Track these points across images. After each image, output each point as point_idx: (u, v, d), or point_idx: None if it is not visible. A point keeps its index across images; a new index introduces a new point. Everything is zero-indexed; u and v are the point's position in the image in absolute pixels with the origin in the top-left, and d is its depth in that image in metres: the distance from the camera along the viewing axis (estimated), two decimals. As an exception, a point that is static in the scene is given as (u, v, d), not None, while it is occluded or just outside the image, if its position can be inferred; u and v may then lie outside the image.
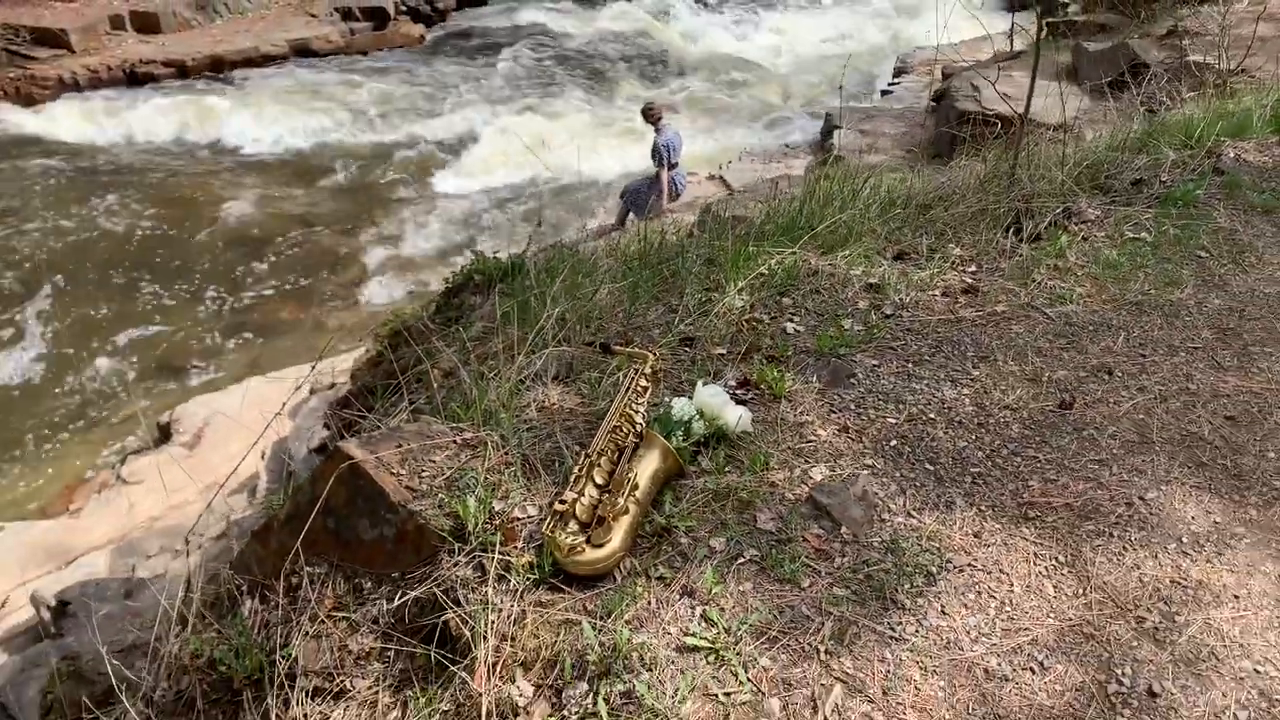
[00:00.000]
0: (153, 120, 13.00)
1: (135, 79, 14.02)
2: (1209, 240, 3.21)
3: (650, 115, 9.07)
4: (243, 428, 7.24)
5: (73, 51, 13.94)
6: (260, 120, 13.06)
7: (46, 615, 5.38)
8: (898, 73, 13.79)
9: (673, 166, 9.04)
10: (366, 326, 8.53)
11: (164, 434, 7.29)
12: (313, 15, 16.08)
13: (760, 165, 10.62)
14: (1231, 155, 3.77)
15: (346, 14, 16.24)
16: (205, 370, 8.15)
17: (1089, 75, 9.78)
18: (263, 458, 6.60)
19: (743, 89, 15.50)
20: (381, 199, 11.28)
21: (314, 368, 5.08)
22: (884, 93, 13.23)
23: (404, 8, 16.95)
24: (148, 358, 8.24)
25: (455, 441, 2.19)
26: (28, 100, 13.17)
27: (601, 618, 1.81)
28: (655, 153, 8.95)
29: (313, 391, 7.30)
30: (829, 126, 10.88)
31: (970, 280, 2.94)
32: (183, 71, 14.27)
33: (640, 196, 9.09)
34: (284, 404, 4.06)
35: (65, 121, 12.82)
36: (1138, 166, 3.64)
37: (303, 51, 15.20)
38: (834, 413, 2.37)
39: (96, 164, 11.75)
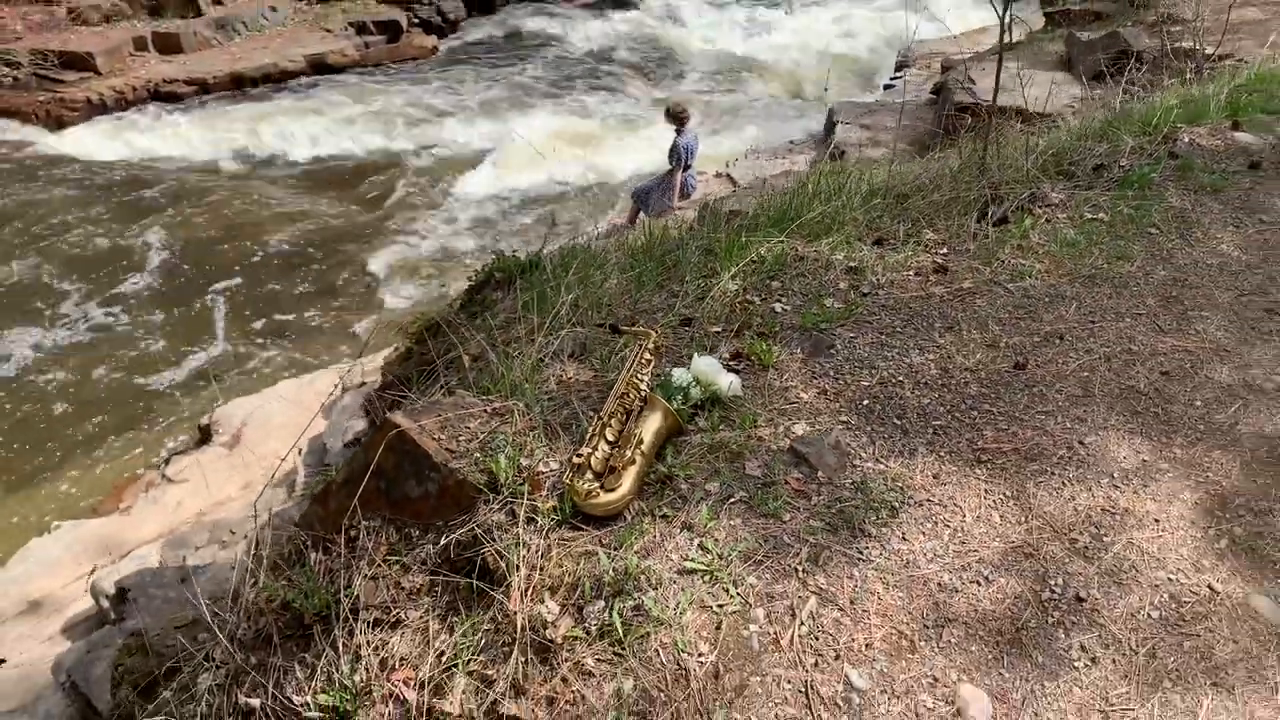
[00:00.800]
0: (178, 137, 13.48)
1: (159, 98, 14.51)
2: (1160, 219, 3.54)
3: (679, 116, 9.20)
4: (280, 426, 7.68)
5: (99, 73, 14.43)
6: (282, 134, 13.52)
7: (106, 603, 5.79)
8: (899, 67, 14.09)
9: (686, 168, 9.37)
10: (393, 327, 8.92)
11: (204, 435, 7.70)
12: (328, 30, 16.53)
13: (766, 161, 10.95)
14: (1186, 140, 4.08)
15: (361, 28, 16.69)
16: (241, 373, 8.56)
17: (1082, 64, 10.05)
18: (299, 453, 6.98)
19: (749, 87, 15.84)
20: (403, 205, 11.69)
21: (356, 363, 5.39)
22: (886, 87, 13.54)
23: (416, 20, 17.39)
24: (187, 363, 8.66)
25: (486, 411, 2.54)
26: (58, 122, 13.67)
27: (614, 549, 2.16)
28: (674, 153, 9.22)
29: (344, 390, 7.69)
30: (832, 122, 11.19)
31: (941, 261, 3.28)
32: (205, 89, 14.75)
33: (651, 195, 9.43)
34: (335, 390, 4.41)
35: (94, 141, 13.31)
36: (1099, 153, 3.96)
37: (320, 66, 15.66)
38: (815, 379, 2.72)
39: (125, 180, 12.21)
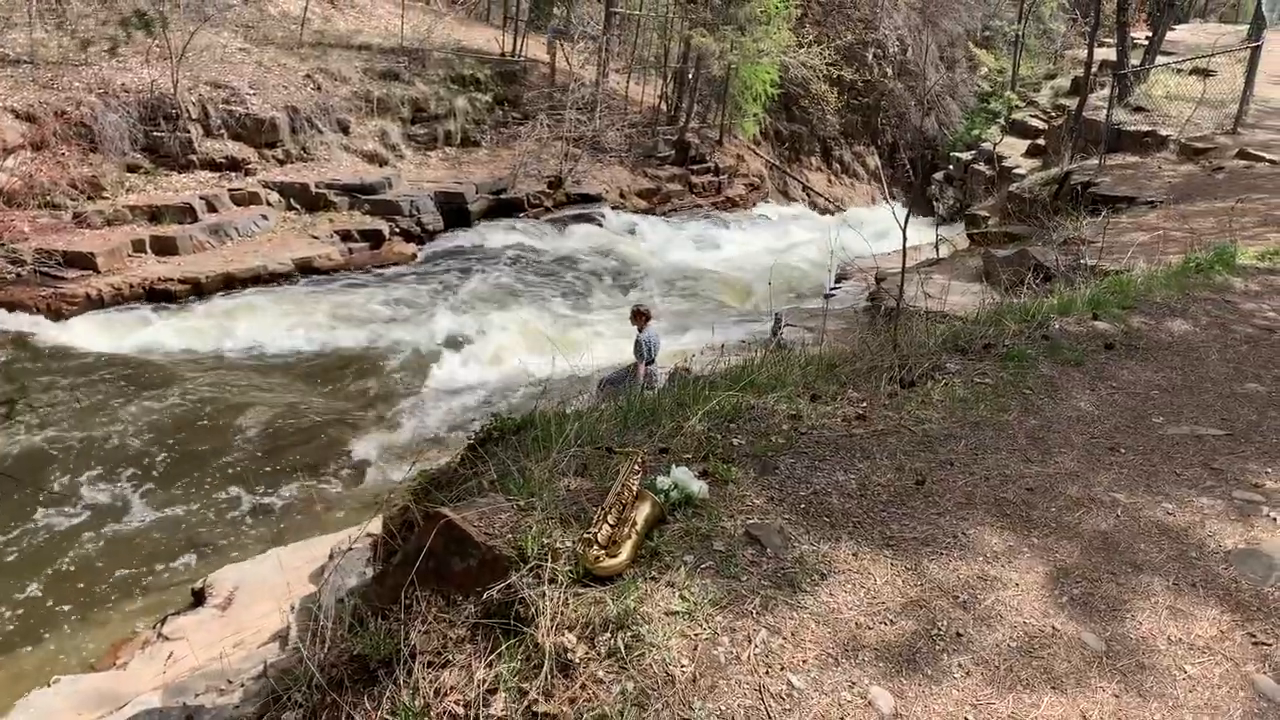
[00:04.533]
0: (170, 330, 14.39)
1: (154, 296, 15.50)
2: (1033, 383, 4.51)
3: (643, 314, 10.27)
4: (269, 590, 8.19)
5: (98, 271, 15.44)
6: (269, 329, 14.50)
7: (109, 747, 6.17)
8: (839, 278, 15.60)
9: (650, 362, 10.38)
10: (376, 504, 9.59)
11: (198, 598, 8.18)
12: (315, 237, 17.88)
13: (720, 357, 12.02)
14: (1057, 327, 5.13)
15: (346, 235, 18.09)
16: (230, 545, 9.10)
17: (997, 276, 11.45)
18: (291, 611, 7.50)
19: (702, 294, 17.26)
20: (384, 396, 12.56)
21: (353, 529, 6.05)
22: (827, 295, 14.95)
23: (397, 230, 18.87)
24: (177, 535, 9.20)
25: (513, 507, 3.32)
26: (56, 314, 14.53)
27: (617, 598, 2.91)
28: (638, 348, 10.23)
29: (332, 556, 8.28)
30: (778, 325, 12.41)
31: (861, 411, 4.18)
32: (197, 288, 15.80)
33: (619, 386, 10.38)
34: (339, 550, 5.08)
35: (90, 333, 14.15)
36: (988, 335, 4.98)
37: (307, 269, 16.88)
38: (764, 490, 3.54)
39: (119, 368, 12.98)
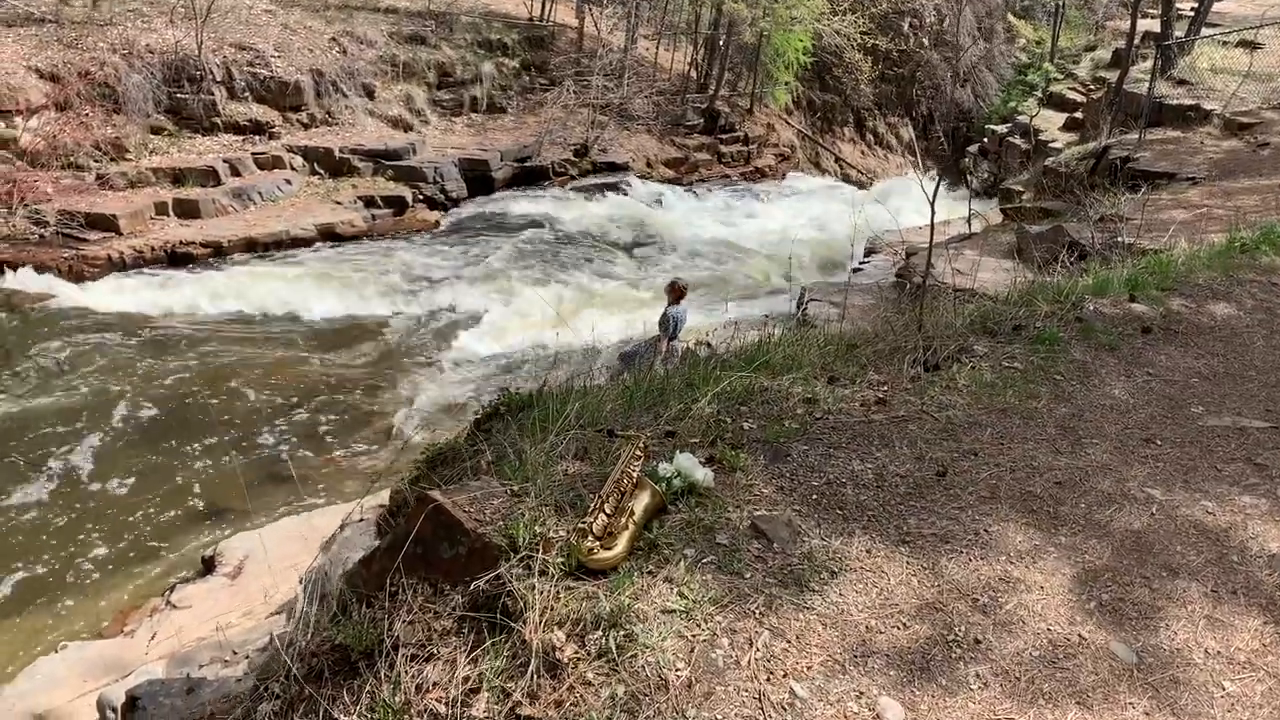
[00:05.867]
0: (190, 294, 14.32)
1: (175, 259, 15.45)
2: (1065, 368, 4.26)
3: (678, 290, 10.06)
4: (279, 560, 8.11)
5: (120, 234, 15.41)
6: (290, 294, 14.40)
7: (112, 715, 6.10)
8: (868, 252, 15.27)
9: (673, 337, 10.19)
10: (391, 472, 9.48)
11: (208, 566, 8.12)
12: (338, 203, 17.74)
13: (742, 333, 11.79)
14: (1091, 308, 4.86)
15: (369, 201, 17.94)
16: (243, 512, 9.03)
17: (1030, 253, 11.11)
18: (300, 582, 7.40)
19: (728, 268, 16.99)
20: (404, 363, 12.45)
21: (367, 498, 5.93)
22: (855, 270, 14.64)
23: (421, 196, 18.70)
24: (190, 502, 9.14)
25: (506, 492, 3.14)
26: (78, 277, 14.51)
27: (611, 593, 2.72)
28: (665, 322, 10.02)
29: (343, 526, 8.17)
30: (804, 300, 12.14)
31: (881, 395, 3.96)
32: (219, 251, 15.74)
33: (640, 360, 10.17)
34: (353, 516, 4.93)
35: (112, 295, 14.11)
36: (1019, 316, 4.72)
37: (329, 235, 16.76)
38: (774, 479, 3.34)
39: (139, 332, 12.94)
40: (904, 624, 2.71)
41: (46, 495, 9.00)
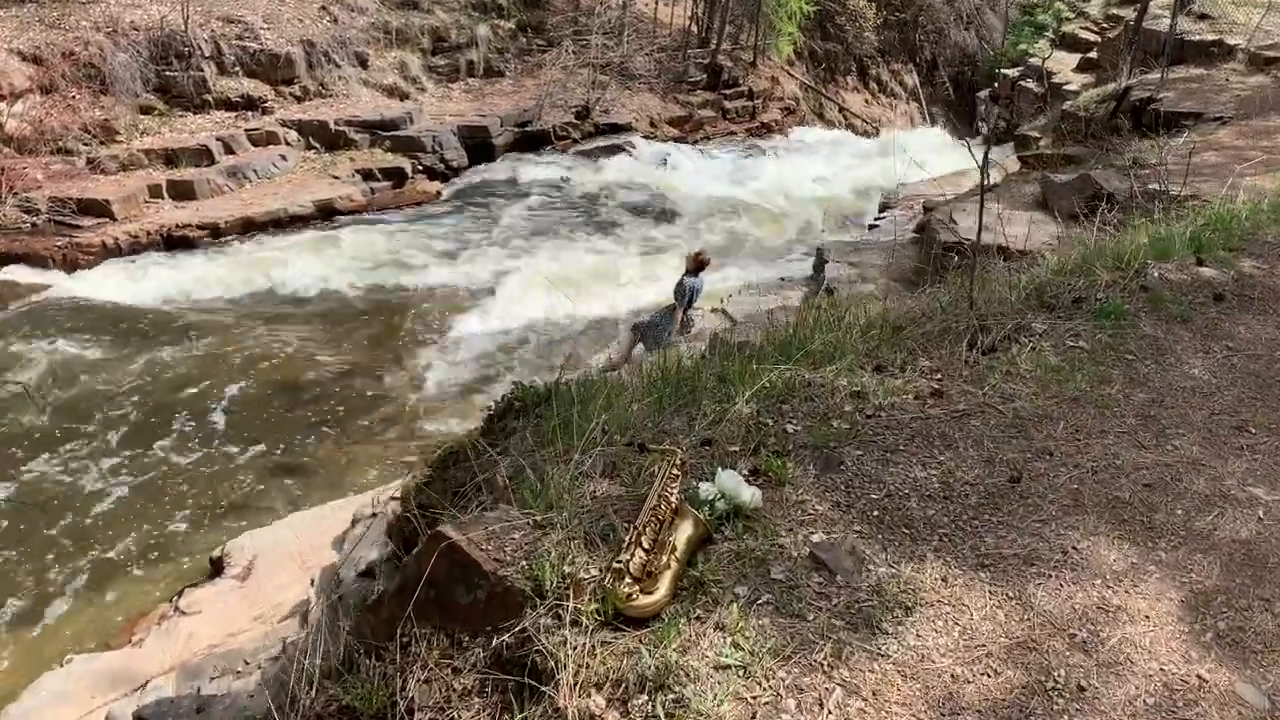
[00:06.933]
0: (189, 278, 13.93)
1: (172, 243, 15.03)
2: (1135, 346, 3.86)
3: (701, 261, 9.70)
4: (290, 558, 7.80)
5: (114, 219, 14.98)
6: (291, 275, 14.00)
7: (120, 735, 5.82)
8: (883, 208, 14.77)
9: (689, 306, 9.81)
10: (402, 461, 9.15)
11: (216, 568, 7.81)
12: (335, 177, 17.27)
13: (759, 298, 11.39)
14: (1156, 275, 4.44)
15: (367, 175, 17.45)
16: (251, 509, 8.71)
17: (1058, 204, 10.62)
18: (312, 584, 7.09)
19: (739, 229, 16.52)
20: (409, 342, 12.07)
21: (379, 491, 5.59)
22: (871, 227, 14.17)
23: (420, 167, 18.20)
24: (196, 499, 8.82)
25: (528, 524, 2.77)
26: (73, 266, 14.11)
27: (655, 647, 2.35)
28: (681, 291, 9.64)
29: (355, 522, 7.85)
30: (820, 260, 11.70)
31: (936, 385, 3.57)
32: (216, 233, 15.30)
33: (654, 330, 9.80)
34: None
35: (108, 283, 13.73)
36: (1077, 287, 4.31)
37: (328, 211, 16.31)
38: (827, 492, 2.96)
39: (137, 320, 12.58)
40: (994, 669, 2.34)
41: (42, 500, 8.68)
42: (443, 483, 5.01)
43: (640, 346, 9.96)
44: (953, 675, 2.32)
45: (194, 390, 10.76)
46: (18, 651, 7.06)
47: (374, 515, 7.81)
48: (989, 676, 2.33)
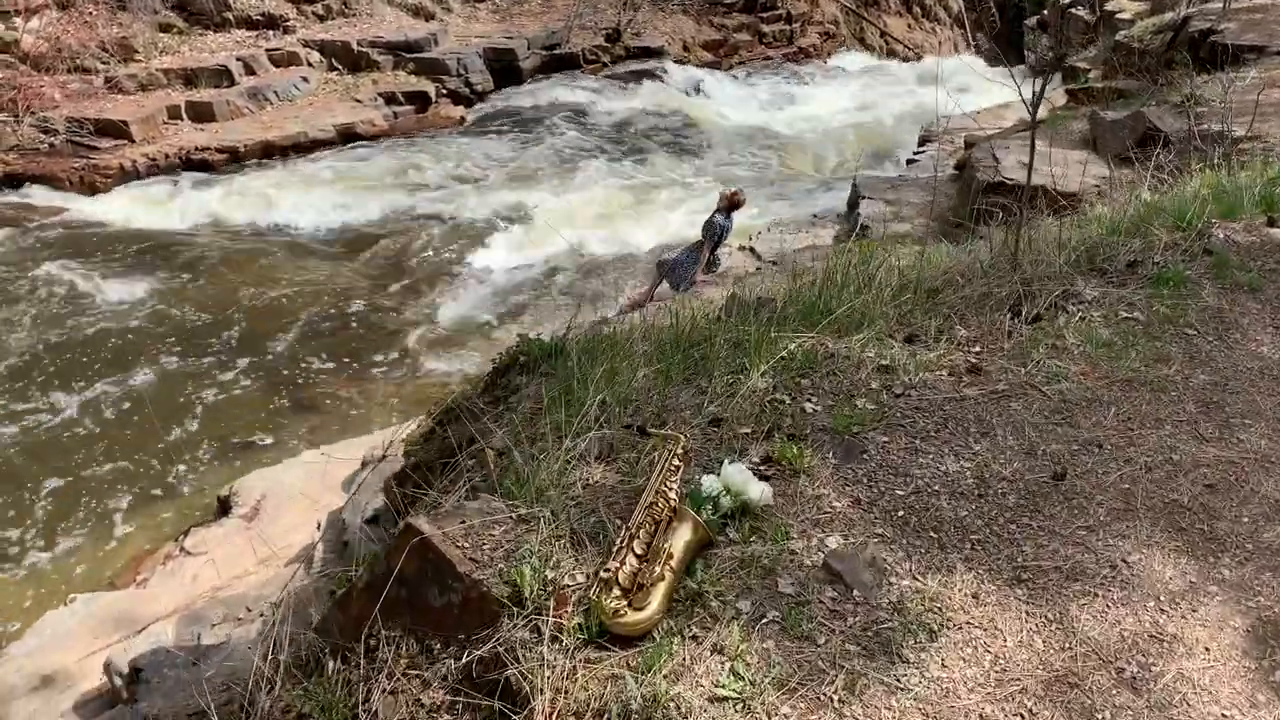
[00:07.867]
0: (208, 203, 13.66)
1: (191, 165, 14.74)
2: (1197, 318, 3.48)
3: (735, 201, 9.30)
4: (298, 499, 7.63)
5: (133, 141, 14.70)
6: (310, 202, 13.67)
7: (119, 681, 5.71)
8: (922, 142, 14.16)
9: (717, 246, 9.42)
10: (415, 400, 8.93)
11: (224, 507, 7.66)
12: (358, 100, 16.83)
13: (789, 235, 10.96)
14: (1221, 236, 4.03)
15: (390, 99, 16.98)
16: (261, 445, 8.55)
17: (1107, 143, 10.06)
18: (319, 528, 6.92)
19: (771, 160, 15.97)
20: (428, 275, 11.77)
21: (389, 431, 5.36)
22: (909, 162, 13.60)
23: (444, 91, 17.69)
24: (206, 434, 8.66)
25: (511, 517, 2.49)
26: (90, 188, 13.88)
27: (642, 672, 2.08)
28: (711, 230, 9.22)
29: (364, 464, 7.65)
30: (855, 197, 11.23)
31: (974, 360, 3.23)
32: (236, 157, 14.99)
33: (680, 269, 9.42)
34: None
35: (126, 207, 13.49)
36: (1133, 249, 3.92)
37: (349, 135, 15.90)
38: (847, 486, 2.65)
39: (154, 246, 12.35)
40: (1030, 709, 2.05)
41: (48, 430, 8.56)
42: (443, 440, 4.74)
43: (665, 284, 9.61)
44: (982, 715, 2.03)
45: (208, 319, 10.55)
46: (19, 589, 6.97)
47: (383, 458, 7.61)
48: (1022, 718, 2.03)
